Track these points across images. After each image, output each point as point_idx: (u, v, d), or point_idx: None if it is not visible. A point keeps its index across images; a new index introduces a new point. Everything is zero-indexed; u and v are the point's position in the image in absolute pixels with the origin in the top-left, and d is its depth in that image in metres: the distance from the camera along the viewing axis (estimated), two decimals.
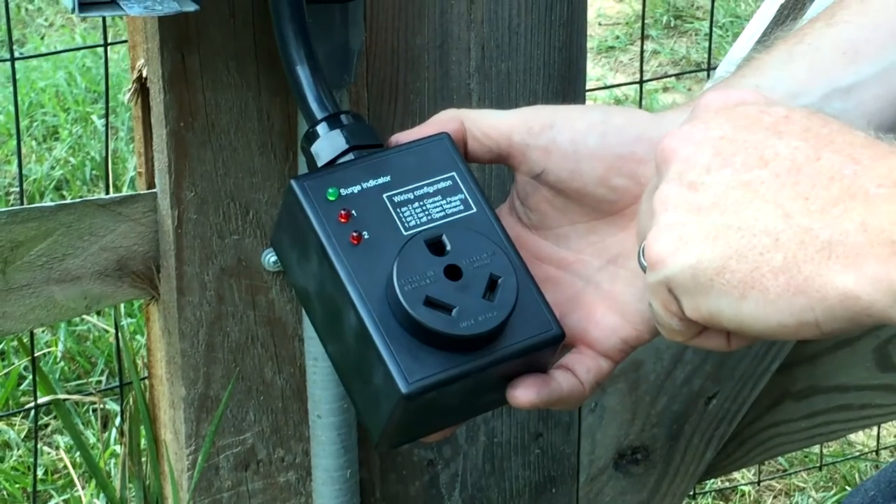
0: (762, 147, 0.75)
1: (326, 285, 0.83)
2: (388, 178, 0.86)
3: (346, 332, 0.83)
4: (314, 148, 0.90)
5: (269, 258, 1.19)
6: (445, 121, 0.91)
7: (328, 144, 0.90)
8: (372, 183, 0.85)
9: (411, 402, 0.80)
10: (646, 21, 4.09)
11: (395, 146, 0.88)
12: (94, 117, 3.43)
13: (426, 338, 0.81)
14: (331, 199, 0.84)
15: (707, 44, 4.00)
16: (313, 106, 0.93)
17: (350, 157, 0.89)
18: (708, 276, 0.73)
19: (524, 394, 0.84)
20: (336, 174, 0.86)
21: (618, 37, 4.09)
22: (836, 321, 0.71)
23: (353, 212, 0.84)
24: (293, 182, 0.85)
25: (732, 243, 0.73)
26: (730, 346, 0.81)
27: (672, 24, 4.13)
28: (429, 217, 0.85)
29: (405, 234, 0.84)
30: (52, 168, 3.21)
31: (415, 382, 0.80)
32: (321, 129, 0.91)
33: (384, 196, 0.85)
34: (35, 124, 3.40)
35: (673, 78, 3.66)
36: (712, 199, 0.74)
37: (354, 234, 0.83)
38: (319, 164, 0.90)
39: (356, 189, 0.85)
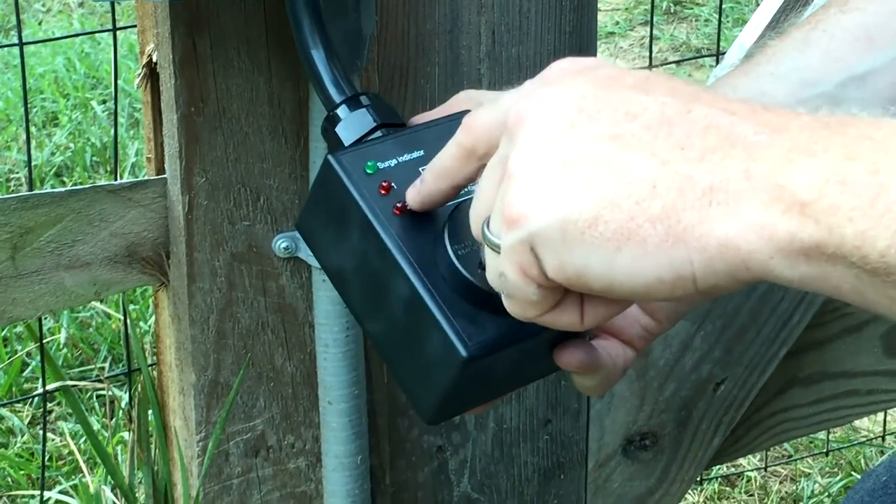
0: (628, 103, 0.70)
1: (371, 259, 0.82)
2: (422, 152, 0.86)
3: (393, 305, 0.82)
4: (339, 128, 0.90)
5: (280, 244, 1.18)
6: (463, 101, 0.91)
7: (356, 123, 0.90)
8: (407, 157, 0.85)
9: (472, 365, 0.79)
10: (646, 7, 4.09)
11: (420, 124, 0.89)
12: (93, 103, 3.42)
13: (482, 302, 0.80)
14: (369, 172, 0.84)
15: (707, 29, 4.00)
16: (331, 89, 0.93)
17: (378, 134, 0.89)
18: (579, 229, 0.68)
19: (574, 354, 0.82)
20: (371, 148, 0.86)
21: (618, 22, 4.09)
22: (714, 275, 0.67)
23: (394, 184, 0.84)
24: (330, 157, 0.84)
25: (606, 192, 0.68)
26: (582, 325, 0.75)
27: (672, 10, 4.13)
28: (466, 188, 0.85)
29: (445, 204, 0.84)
30: (53, 154, 3.20)
31: (475, 345, 0.79)
32: (342, 111, 0.91)
33: (420, 169, 0.85)
34: (35, 110, 3.40)
35: (674, 64, 3.66)
36: (580, 153, 0.69)
37: (398, 204, 0.83)
38: (347, 144, 0.90)
39: (393, 163, 0.85)
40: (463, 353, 0.79)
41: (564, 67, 0.77)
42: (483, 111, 0.78)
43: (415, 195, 0.82)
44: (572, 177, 0.69)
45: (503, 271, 0.73)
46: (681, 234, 0.67)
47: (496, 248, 0.73)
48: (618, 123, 0.70)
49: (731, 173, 0.66)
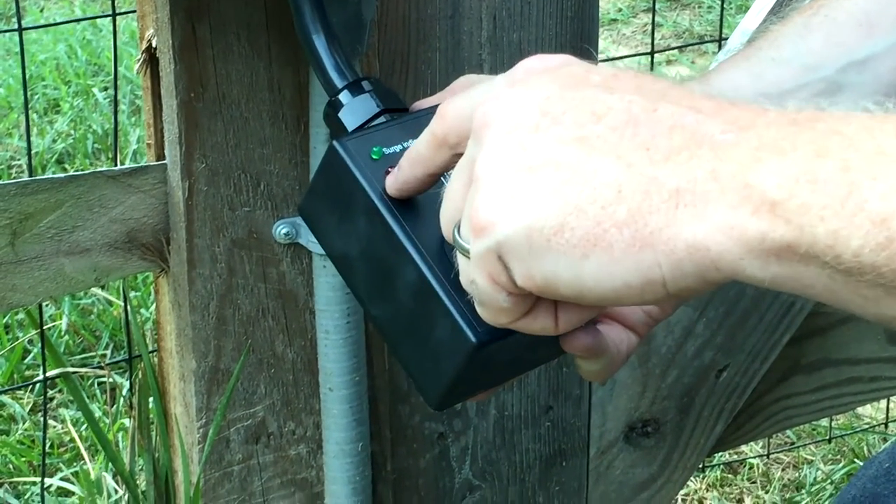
0: (593, 103, 0.69)
1: (377, 245, 0.82)
2: None
3: (400, 291, 0.81)
4: (343, 113, 0.90)
5: (281, 230, 1.18)
6: (463, 85, 0.90)
7: (359, 108, 0.90)
8: (412, 142, 0.85)
9: (481, 350, 0.79)
10: None
11: (423, 109, 0.88)
12: (95, 90, 3.42)
13: None
14: (375, 157, 0.84)
15: (709, 16, 3.99)
16: (333, 75, 0.93)
17: (382, 119, 0.89)
18: (545, 237, 0.67)
19: (581, 338, 0.81)
20: (376, 134, 0.86)
21: (620, 9, 4.08)
22: (683, 277, 0.66)
23: None
24: (336, 143, 0.84)
25: (571, 198, 0.67)
26: (557, 329, 0.75)
27: None
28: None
29: None
30: (54, 141, 3.20)
31: (485, 331, 0.79)
32: (344, 96, 0.91)
33: None
34: (36, 97, 3.39)
35: (676, 50, 3.65)
36: (545, 157, 0.68)
37: None
38: (350, 129, 0.89)
39: (398, 148, 0.85)
40: (472, 338, 0.79)
41: (531, 66, 0.77)
42: (456, 100, 0.78)
43: (392, 182, 0.82)
44: (537, 183, 0.68)
45: (474, 278, 0.72)
46: (647, 239, 0.66)
47: (467, 254, 0.72)
48: (583, 125, 0.69)
49: (698, 174, 0.65)
